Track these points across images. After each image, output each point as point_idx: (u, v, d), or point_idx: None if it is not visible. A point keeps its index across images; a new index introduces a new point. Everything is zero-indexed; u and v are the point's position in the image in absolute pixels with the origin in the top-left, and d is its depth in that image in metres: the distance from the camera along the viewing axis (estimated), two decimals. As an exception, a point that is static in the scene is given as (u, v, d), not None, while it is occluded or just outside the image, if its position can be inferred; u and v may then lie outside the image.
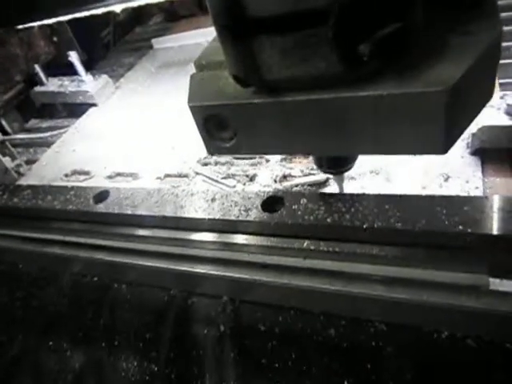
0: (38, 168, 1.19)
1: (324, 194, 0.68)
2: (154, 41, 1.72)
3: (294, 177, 0.86)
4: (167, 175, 0.99)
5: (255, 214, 0.69)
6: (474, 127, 0.75)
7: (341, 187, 0.74)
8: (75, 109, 1.45)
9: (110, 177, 1.04)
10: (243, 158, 0.96)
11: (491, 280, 0.57)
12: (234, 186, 0.87)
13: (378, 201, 0.63)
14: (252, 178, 0.89)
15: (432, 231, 0.57)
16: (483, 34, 0.37)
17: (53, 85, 1.49)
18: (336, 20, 0.34)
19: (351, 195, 0.66)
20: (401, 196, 0.63)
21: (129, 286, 0.92)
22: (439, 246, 0.58)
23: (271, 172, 0.89)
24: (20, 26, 1.47)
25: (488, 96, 0.42)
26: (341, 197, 0.66)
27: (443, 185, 0.73)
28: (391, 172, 0.79)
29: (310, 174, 0.85)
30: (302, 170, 0.86)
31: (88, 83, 1.41)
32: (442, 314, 0.63)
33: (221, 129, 0.47)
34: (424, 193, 0.73)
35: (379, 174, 0.79)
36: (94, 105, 1.42)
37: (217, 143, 0.50)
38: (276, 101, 0.42)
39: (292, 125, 0.44)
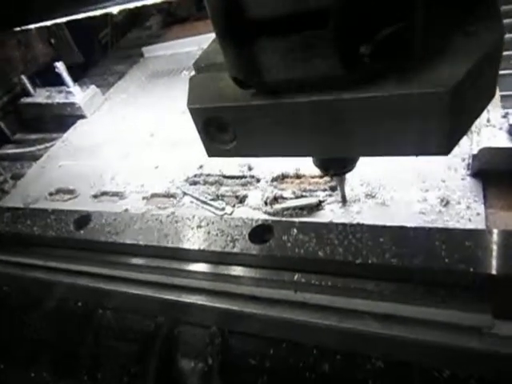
0: (22, 185, 1.15)
1: (315, 223, 0.64)
2: (144, 49, 1.67)
3: (286, 199, 0.82)
4: (154, 195, 0.95)
5: (242, 245, 0.64)
6: (474, 148, 0.71)
7: (342, 188, 0.71)
8: (63, 120, 1.40)
9: (95, 196, 1.00)
10: (233, 178, 0.91)
11: (495, 321, 0.53)
12: (223, 209, 0.83)
13: (373, 232, 0.59)
14: (242, 200, 0.85)
15: (430, 269, 0.52)
16: (485, 35, 0.37)
17: (40, 96, 1.45)
18: (336, 21, 0.34)
19: (344, 225, 0.61)
20: (397, 227, 0.59)
21: (113, 313, 0.88)
22: (438, 283, 0.53)
23: (262, 193, 0.84)
24: (18, 28, 1.44)
25: (490, 96, 0.41)
26: (333, 227, 0.61)
27: (442, 210, 0.69)
28: (387, 195, 0.74)
29: (302, 196, 0.80)
30: (293, 192, 0.82)
31: (76, 94, 1.36)
32: (442, 353, 0.58)
33: (221, 131, 0.47)
34: (422, 219, 0.68)
35: (375, 198, 0.75)
36: (82, 116, 1.38)
37: (217, 146, 0.49)
38: (276, 103, 0.41)
39: (292, 127, 0.43)
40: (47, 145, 1.31)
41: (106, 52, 1.96)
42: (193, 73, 0.50)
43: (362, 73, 0.37)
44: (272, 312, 0.68)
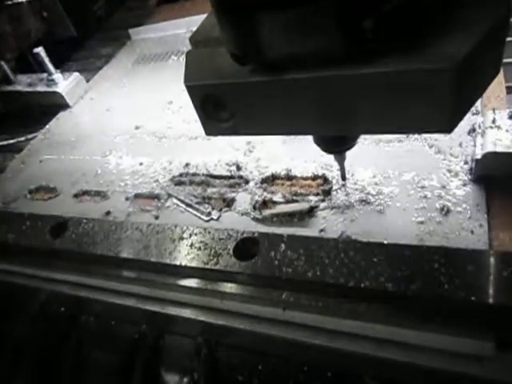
0: (1, 181, 1.09)
1: (305, 238, 0.59)
2: (131, 31, 1.58)
3: (276, 203, 0.76)
4: (138, 195, 0.89)
5: (226, 262, 0.60)
6: (478, 151, 0.66)
7: (342, 167, 0.68)
8: (45, 110, 1.34)
9: (76, 196, 0.95)
10: (220, 178, 0.86)
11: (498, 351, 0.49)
12: (209, 213, 0.78)
13: (367, 251, 0.54)
14: (229, 203, 0.79)
15: (428, 297, 0.48)
16: (492, 7, 0.35)
17: (21, 83, 1.38)
18: None
19: (336, 242, 0.57)
20: (392, 246, 0.54)
21: (96, 319, 0.84)
22: (437, 311, 0.49)
23: (250, 196, 0.79)
24: (9, 2, 1.37)
25: (495, 72, 0.40)
26: (324, 243, 0.57)
27: (442, 221, 0.64)
28: (384, 202, 0.69)
29: (292, 201, 0.75)
30: (284, 196, 0.77)
31: (58, 83, 1.29)
32: (440, 376, 0.55)
33: (219, 109, 0.45)
34: (420, 229, 0.64)
35: (371, 204, 0.70)
36: (65, 106, 1.31)
37: (215, 124, 0.48)
38: (276, 79, 0.40)
39: (292, 104, 0.42)
40: (28, 136, 1.25)
41: (100, 25, 1.87)
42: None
43: (365, 48, 0.35)
44: (259, 328, 0.64)
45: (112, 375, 0.76)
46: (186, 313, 0.69)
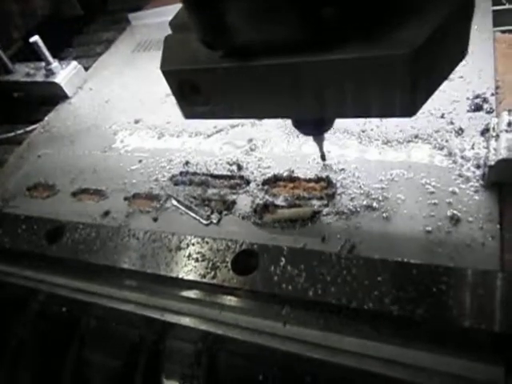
0: (0, 177, 1.07)
1: (306, 252, 0.56)
2: (131, 16, 1.53)
3: (278, 207, 0.74)
4: (136, 195, 0.87)
5: (224, 275, 0.57)
6: (491, 156, 0.62)
7: (321, 148, 0.69)
8: (44, 100, 1.31)
9: (74, 194, 0.93)
10: (221, 178, 0.83)
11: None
12: (209, 217, 0.75)
13: (370, 269, 0.51)
14: (229, 206, 0.77)
15: (434, 322, 0.45)
16: None
17: (19, 73, 1.34)
18: None
19: (338, 258, 0.54)
20: (398, 264, 0.51)
21: (96, 323, 0.83)
22: (444, 336, 0.47)
23: (251, 199, 0.76)
24: None
25: (461, 55, 0.41)
26: (326, 258, 0.54)
27: (452, 230, 0.61)
28: (390, 208, 0.66)
29: (295, 205, 0.72)
30: (286, 199, 0.74)
31: (56, 72, 1.25)
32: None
33: (195, 93, 0.47)
34: (428, 239, 0.61)
35: (376, 210, 0.67)
36: (64, 96, 1.27)
37: (192, 108, 0.49)
38: (245, 65, 0.41)
39: (262, 89, 0.43)
40: (27, 129, 1.22)
41: (106, 3, 1.82)
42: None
43: (326, 35, 0.36)
44: (259, 340, 0.62)
45: (113, 379, 0.75)
46: (186, 321, 0.67)
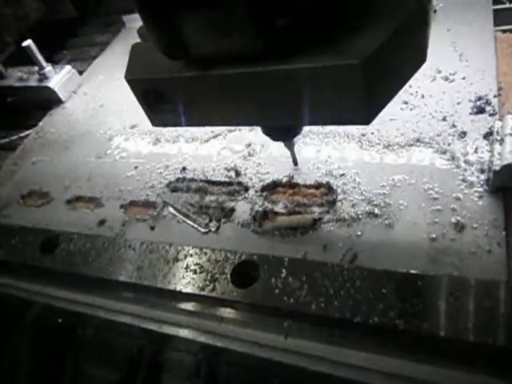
0: (-6, 185, 1.05)
1: (308, 263, 0.54)
2: (125, 18, 1.50)
3: (277, 214, 0.72)
4: (133, 203, 0.85)
5: (223, 288, 0.56)
6: (495, 160, 0.60)
7: (292, 153, 0.70)
8: (37, 105, 1.28)
9: (69, 202, 0.91)
10: (218, 184, 0.81)
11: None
12: (207, 225, 0.74)
13: (374, 280, 0.50)
14: (228, 214, 0.75)
15: (441, 337, 0.44)
16: (401, 3, 0.36)
17: (12, 78, 1.32)
18: None
19: (341, 269, 0.52)
20: (403, 275, 0.49)
21: (94, 333, 0.81)
22: (451, 351, 0.45)
23: (250, 206, 0.75)
24: None
25: (419, 61, 0.42)
26: (328, 270, 0.52)
27: (457, 238, 0.59)
28: (393, 215, 0.65)
29: (294, 212, 0.71)
30: (285, 206, 0.72)
31: (49, 77, 1.23)
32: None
33: (160, 101, 0.47)
34: (433, 247, 0.59)
35: (378, 217, 0.65)
36: (58, 101, 1.25)
37: (159, 116, 0.50)
38: (205, 74, 0.42)
39: (224, 98, 0.44)
40: (21, 135, 1.20)
41: (100, 4, 1.80)
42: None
43: (281, 45, 0.37)
44: (259, 353, 0.60)
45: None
46: (184, 333, 0.66)
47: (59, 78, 1.24)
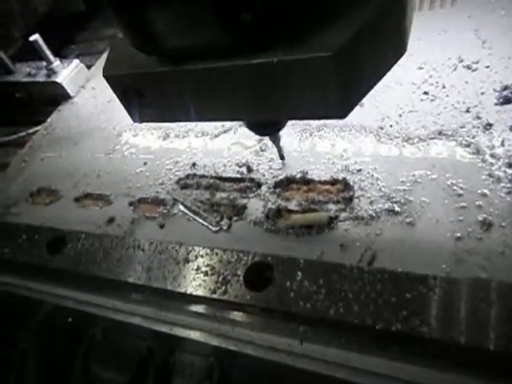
0: (3, 182, 1.04)
1: (325, 265, 0.51)
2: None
3: (291, 212, 0.69)
4: (142, 200, 0.83)
5: (236, 291, 0.53)
6: (526, 154, 0.56)
7: (278, 147, 0.69)
8: (47, 99, 1.27)
9: (77, 199, 0.89)
10: (230, 180, 0.79)
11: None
12: (218, 223, 0.71)
13: (396, 284, 0.46)
14: (240, 212, 0.72)
15: (472, 349, 0.40)
16: None
17: (20, 73, 1.30)
18: None
19: (360, 271, 0.49)
20: (427, 278, 0.46)
21: (104, 332, 0.80)
22: (484, 364, 0.42)
23: (263, 203, 0.72)
24: None
25: (397, 53, 0.41)
26: (347, 273, 0.49)
27: (483, 236, 0.56)
28: (414, 212, 0.61)
29: (309, 210, 0.68)
30: (300, 203, 0.69)
31: (57, 72, 1.21)
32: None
33: (139, 97, 0.47)
34: (458, 247, 0.56)
35: (399, 215, 0.62)
36: (66, 96, 1.23)
37: (138, 112, 0.50)
38: (177, 69, 0.42)
39: (199, 93, 0.44)
40: (29, 131, 1.19)
41: None
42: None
43: (250, 40, 0.37)
44: (274, 357, 0.58)
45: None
46: (196, 335, 0.63)
47: (67, 72, 1.22)
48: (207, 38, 0.38)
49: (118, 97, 0.49)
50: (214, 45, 0.38)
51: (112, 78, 0.47)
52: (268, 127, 0.58)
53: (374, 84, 0.41)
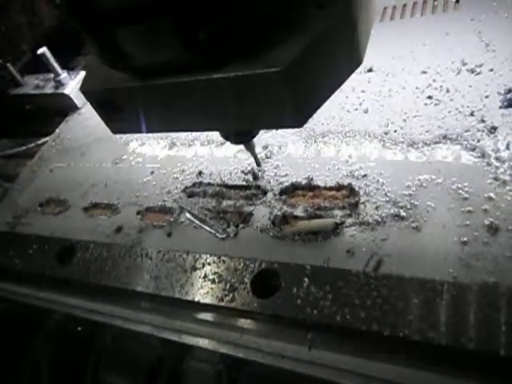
0: (13, 193, 1.06)
1: (331, 271, 0.52)
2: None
3: (297, 218, 0.69)
4: (149, 209, 0.84)
5: (243, 298, 0.53)
6: (531, 157, 0.56)
7: (253, 154, 0.70)
8: (54, 112, 1.29)
9: (86, 209, 0.90)
10: (236, 188, 0.79)
11: None
12: (225, 231, 0.71)
13: (404, 289, 0.47)
14: (246, 219, 0.73)
15: (483, 356, 0.40)
16: (332, 7, 0.38)
17: (29, 85, 1.33)
18: (171, 10, 0.36)
19: (367, 277, 0.49)
20: (435, 283, 0.46)
21: (114, 341, 0.80)
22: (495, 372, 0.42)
23: (269, 210, 0.72)
24: None
25: (352, 65, 0.43)
26: (353, 279, 0.49)
27: (490, 241, 0.55)
28: (420, 217, 0.61)
29: (315, 216, 0.68)
30: (306, 209, 0.69)
31: (65, 83, 1.23)
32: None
33: (115, 111, 0.49)
34: (465, 251, 0.55)
35: (405, 220, 0.62)
36: (74, 107, 1.25)
37: (116, 124, 0.52)
38: (145, 84, 0.44)
39: (166, 106, 0.46)
40: (38, 142, 1.21)
41: None
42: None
43: (207, 56, 0.39)
44: (282, 364, 0.58)
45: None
46: (204, 343, 0.63)
47: (75, 84, 1.24)
48: (169, 55, 0.40)
49: (95, 110, 0.51)
50: (175, 61, 0.40)
51: (89, 93, 0.49)
52: (240, 136, 0.60)
53: (331, 94, 0.43)
